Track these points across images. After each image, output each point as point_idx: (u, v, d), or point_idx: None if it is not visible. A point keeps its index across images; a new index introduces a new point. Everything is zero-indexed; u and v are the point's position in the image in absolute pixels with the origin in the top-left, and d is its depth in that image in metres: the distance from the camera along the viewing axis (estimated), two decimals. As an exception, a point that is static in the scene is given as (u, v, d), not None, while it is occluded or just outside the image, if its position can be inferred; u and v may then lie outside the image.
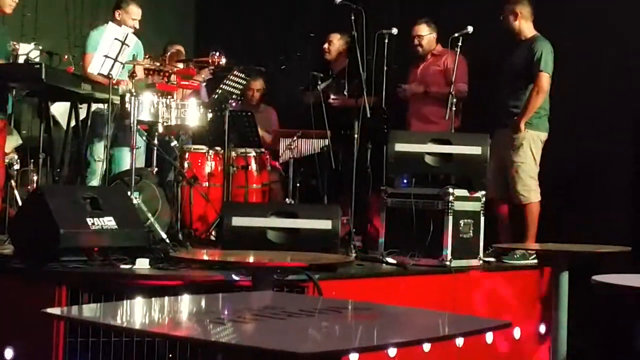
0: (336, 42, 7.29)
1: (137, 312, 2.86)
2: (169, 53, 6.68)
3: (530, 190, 6.28)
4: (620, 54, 6.57)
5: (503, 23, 6.46)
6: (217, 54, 6.35)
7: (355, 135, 6.22)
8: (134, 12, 6.58)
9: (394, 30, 6.47)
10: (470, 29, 6.32)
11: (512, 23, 6.45)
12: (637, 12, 6.54)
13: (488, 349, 5.60)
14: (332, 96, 6.97)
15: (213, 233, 6.19)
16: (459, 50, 6.34)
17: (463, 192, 5.76)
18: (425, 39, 6.97)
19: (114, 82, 5.93)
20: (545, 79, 6.27)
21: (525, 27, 6.46)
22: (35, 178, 6.28)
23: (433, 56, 7.01)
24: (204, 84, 7.28)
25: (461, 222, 5.71)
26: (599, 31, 6.63)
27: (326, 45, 7.32)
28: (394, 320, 2.83)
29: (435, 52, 7.01)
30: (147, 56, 6.41)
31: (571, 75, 6.62)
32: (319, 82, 6.90)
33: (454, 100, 6.25)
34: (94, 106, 6.41)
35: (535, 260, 6.11)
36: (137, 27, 6.54)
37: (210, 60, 6.40)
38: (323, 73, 7.12)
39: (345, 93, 6.91)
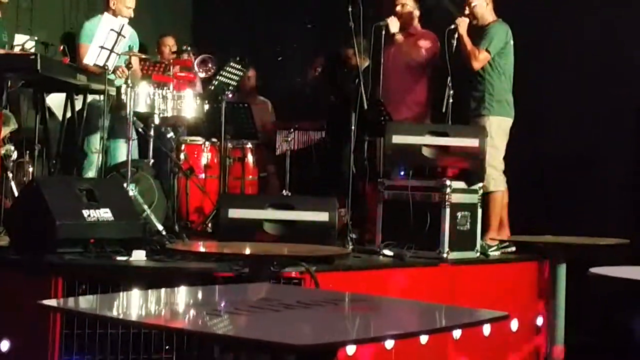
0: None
1: (133, 304, 2.85)
2: (167, 48, 6.67)
3: (489, 180, 6.05)
4: (619, 42, 6.55)
5: (472, 14, 6.28)
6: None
7: (353, 127, 6.19)
8: (129, 0, 6.50)
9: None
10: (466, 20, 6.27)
11: (484, 10, 6.29)
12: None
13: (485, 341, 5.60)
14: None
15: (209, 225, 6.18)
16: (455, 42, 6.23)
17: (460, 185, 5.74)
18: (407, 9, 6.62)
19: (111, 71, 5.92)
20: (482, 55, 6.14)
21: (490, 12, 6.34)
22: (30, 170, 6.26)
23: (409, 35, 6.65)
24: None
25: (458, 214, 5.70)
26: (597, 16, 6.61)
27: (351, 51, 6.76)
28: (391, 313, 2.83)
29: (412, 30, 6.67)
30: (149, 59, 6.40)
31: (570, 64, 6.60)
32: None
33: (451, 92, 6.18)
34: (89, 97, 6.38)
35: (514, 248, 6.05)
36: (132, 15, 6.47)
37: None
38: (340, 66, 6.97)
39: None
